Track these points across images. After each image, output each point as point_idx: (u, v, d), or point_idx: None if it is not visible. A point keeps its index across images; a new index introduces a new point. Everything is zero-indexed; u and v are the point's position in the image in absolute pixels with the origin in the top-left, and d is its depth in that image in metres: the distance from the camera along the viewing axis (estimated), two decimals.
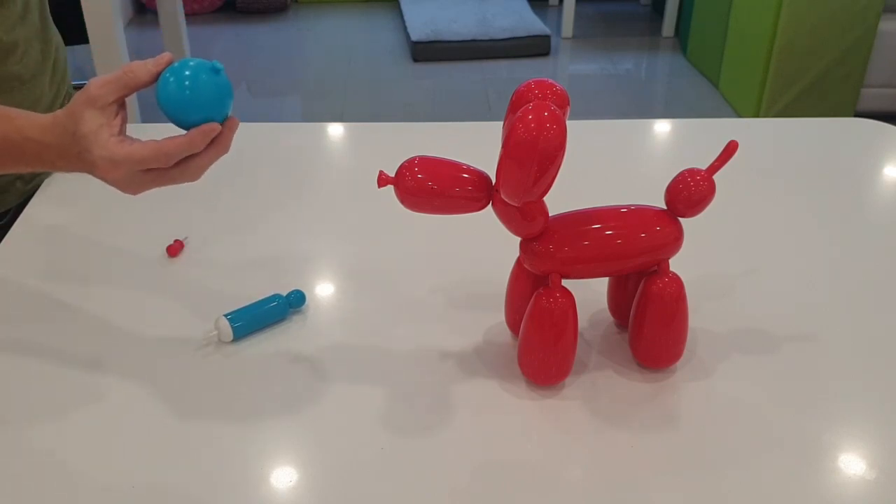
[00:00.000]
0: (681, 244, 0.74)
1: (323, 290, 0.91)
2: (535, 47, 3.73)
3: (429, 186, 0.69)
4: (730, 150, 0.72)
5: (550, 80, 0.70)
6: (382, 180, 0.69)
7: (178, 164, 0.69)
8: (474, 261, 0.95)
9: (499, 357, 0.80)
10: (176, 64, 0.68)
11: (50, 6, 1.17)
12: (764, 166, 1.15)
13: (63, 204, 1.06)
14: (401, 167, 0.69)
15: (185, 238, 0.97)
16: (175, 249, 0.95)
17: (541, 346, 0.74)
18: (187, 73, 0.67)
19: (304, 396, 0.76)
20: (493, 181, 0.69)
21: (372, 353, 0.81)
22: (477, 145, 1.26)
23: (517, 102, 0.68)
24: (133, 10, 4.18)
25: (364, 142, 1.27)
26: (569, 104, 0.70)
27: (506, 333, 0.83)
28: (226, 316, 0.81)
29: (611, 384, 0.77)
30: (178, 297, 0.89)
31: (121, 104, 0.70)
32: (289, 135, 1.28)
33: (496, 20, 3.82)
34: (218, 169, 1.15)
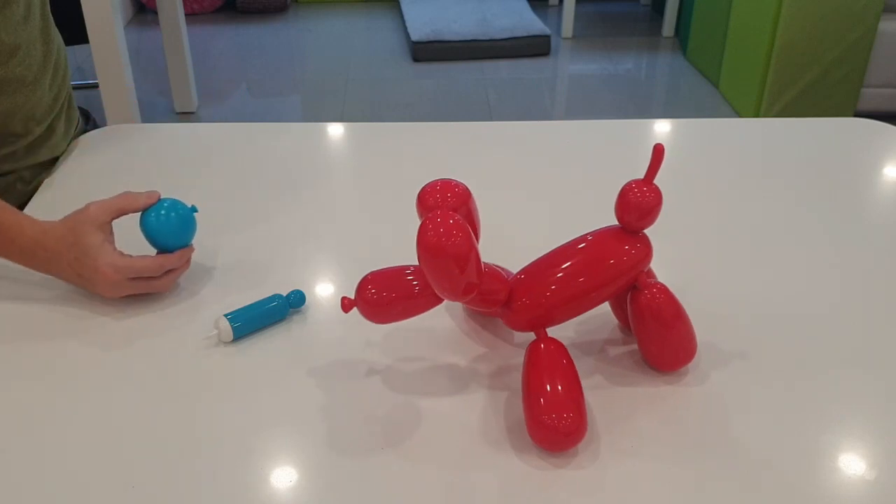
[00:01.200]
0: (650, 254, 0.74)
1: (323, 290, 0.91)
2: (535, 47, 3.73)
3: (389, 298, 0.71)
4: (657, 153, 0.72)
5: (453, 181, 0.73)
6: (346, 305, 0.72)
7: (158, 277, 0.86)
8: None
9: (500, 358, 0.80)
10: (166, 201, 0.87)
11: (50, 6, 1.17)
12: (764, 166, 1.15)
13: (62, 205, 1.05)
14: (357, 293, 0.72)
15: None
16: None
17: (550, 407, 0.69)
18: (173, 211, 0.87)
19: (304, 396, 0.76)
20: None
21: (372, 353, 0.81)
22: (477, 145, 1.27)
23: (423, 205, 0.73)
24: (133, 10, 4.18)
25: (364, 142, 1.27)
26: (471, 197, 0.73)
27: (509, 333, 0.83)
28: (226, 316, 0.81)
29: (612, 387, 0.77)
30: (179, 297, 0.89)
31: (111, 227, 0.86)
32: (289, 135, 1.28)
33: (496, 20, 3.82)
34: (218, 169, 1.16)
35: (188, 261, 0.89)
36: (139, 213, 0.87)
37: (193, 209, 0.89)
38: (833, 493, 0.66)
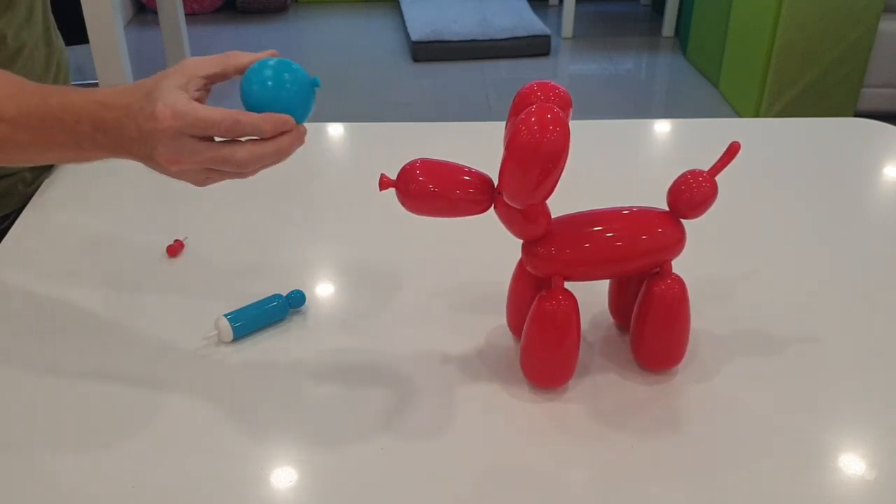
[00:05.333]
0: (683, 246, 0.74)
1: (323, 290, 0.91)
2: (535, 47, 3.73)
3: (430, 190, 0.68)
4: (732, 151, 0.72)
5: (553, 83, 0.69)
6: (384, 183, 0.69)
7: (234, 142, 0.66)
8: (475, 262, 0.95)
9: (500, 359, 0.80)
10: (274, 59, 0.68)
11: (51, 7, 1.17)
12: (764, 166, 1.15)
13: (63, 205, 1.06)
14: (402, 170, 0.69)
15: (185, 238, 0.97)
16: (175, 249, 0.95)
17: (543, 350, 0.74)
18: (286, 72, 0.67)
19: (304, 396, 0.76)
20: (496, 184, 0.69)
21: (372, 353, 0.81)
22: (477, 145, 1.26)
23: (519, 104, 0.68)
24: (133, 10, 4.18)
25: (364, 142, 1.27)
26: (571, 106, 0.70)
27: (507, 335, 0.83)
28: (226, 316, 0.81)
29: (612, 386, 0.77)
30: (178, 297, 0.89)
31: (207, 87, 0.69)
32: None
33: (496, 20, 3.82)
34: None
35: (285, 141, 0.67)
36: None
37: (315, 82, 0.69)
38: (833, 493, 0.66)
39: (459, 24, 3.78)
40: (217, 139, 0.66)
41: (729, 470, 0.68)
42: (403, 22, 3.96)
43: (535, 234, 0.72)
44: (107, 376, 0.78)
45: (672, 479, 0.67)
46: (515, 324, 0.80)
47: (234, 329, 0.81)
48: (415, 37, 3.70)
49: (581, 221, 0.73)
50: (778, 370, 0.79)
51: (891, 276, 0.93)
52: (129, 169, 1.16)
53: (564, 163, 0.64)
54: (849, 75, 2.90)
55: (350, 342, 0.83)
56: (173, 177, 0.69)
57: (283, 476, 0.68)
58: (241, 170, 0.67)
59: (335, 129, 1.31)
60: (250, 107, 0.66)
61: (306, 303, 0.86)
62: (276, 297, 0.84)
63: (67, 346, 0.82)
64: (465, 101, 3.31)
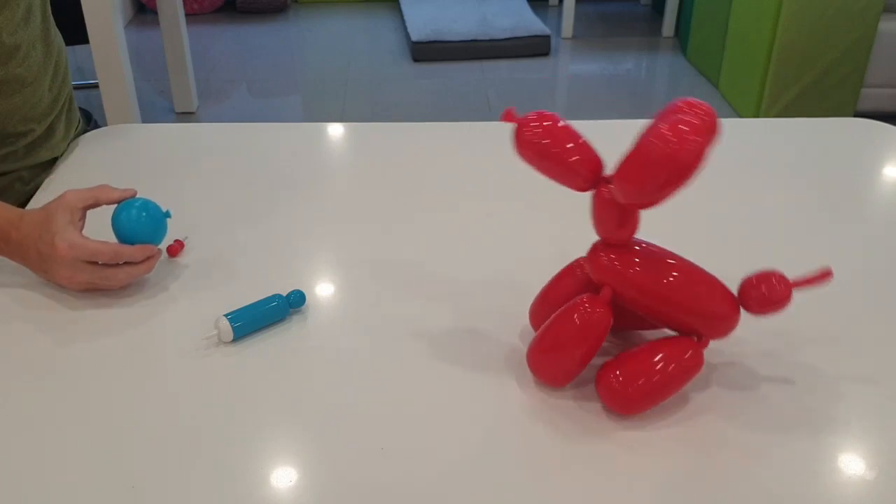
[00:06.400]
0: (727, 331, 0.74)
1: (323, 290, 0.91)
2: (535, 47, 3.73)
3: (542, 144, 0.68)
4: (822, 275, 0.72)
5: (708, 106, 0.67)
6: (507, 116, 0.69)
7: (113, 266, 0.86)
8: (475, 262, 0.95)
9: (500, 359, 0.80)
10: (139, 200, 0.89)
11: (50, 7, 1.17)
12: (764, 166, 1.15)
13: None
14: (525, 117, 0.69)
15: (185, 238, 0.97)
16: (175, 249, 0.95)
17: (560, 347, 0.73)
18: (144, 210, 0.88)
19: (304, 396, 0.76)
20: (604, 171, 0.69)
21: (372, 353, 0.81)
22: (477, 145, 1.27)
23: (668, 111, 0.67)
24: (133, 10, 4.18)
25: (364, 142, 1.27)
26: (716, 133, 0.67)
27: (507, 336, 0.83)
28: (226, 316, 0.81)
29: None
30: (178, 297, 0.89)
31: (84, 214, 0.88)
32: (289, 135, 1.28)
33: (496, 20, 3.82)
34: (218, 169, 1.16)
35: (150, 262, 0.88)
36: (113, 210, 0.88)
37: (167, 214, 0.90)
38: (833, 493, 0.66)
39: (459, 24, 3.78)
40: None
41: (727, 469, 0.68)
42: (403, 22, 3.96)
43: (617, 238, 0.71)
44: (106, 376, 0.78)
45: (670, 477, 0.67)
46: (542, 314, 0.79)
47: (234, 329, 0.81)
48: (415, 37, 3.70)
49: (658, 254, 0.73)
50: (777, 370, 0.79)
51: (891, 275, 0.93)
52: (129, 170, 1.17)
53: (691, 178, 0.64)
54: (849, 75, 2.90)
55: (350, 342, 0.83)
56: (62, 285, 0.88)
57: (283, 476, 0.68)
58: (118, 285, 0.88)
59: (335, 129, 1.31)
60: (122, 239, 0.87)
61: (306, 303, 0.86)
62: (276, 297, 0.84)
63: (66, 346, 0.82)
64: (465, 101, 3.31)
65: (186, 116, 3.13)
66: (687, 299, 0.72)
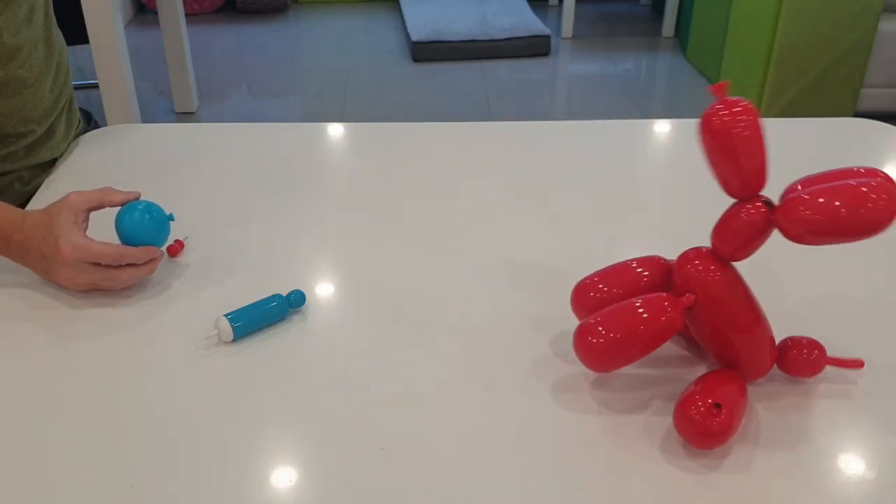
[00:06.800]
0: (758, 377, 0.76)
1: (323, 290, 0.91)
2: (535, 47, 3.73)
3: (742, 136, 0.68)
4: (853, 363, 0.76)
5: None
6: (719, 89, 0.68)
7: (116, 268, 0.87)
8: (475, 263, 0.95)
9: (501, 360, 0.80)
10: (143, 202, 0.90)
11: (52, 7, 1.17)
12: None
13: None
14: (736, 100, 0.68)
15: (185, 238, 0.97)
16: (175, 249, 0.95)
17: (627, 338, 0.71)
18: (147, 212, 0.89)
19: (305, 396, 0.76)
20: (764, 188, 0.69)
21: (372, 352, 0.81)
22: (477, 145, 1.27)
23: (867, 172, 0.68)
24: (133, 10, 4.18)
25: (364, 142, 1.27)
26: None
27: (508, 337, 0.83)
28: (226, 316, 0.81)
29: (616, 381, 0.77)
30: (178, 297, 0.89)
31: (87, 216, 0.88)
32: (289, 135, 1.28)
33: (496, 20, 3.82)
34: (218, 169, 1.16)
35: (153, 264, 0.89)
36: (116, 212, 0.89)
37: (170, 217, 0.91)
38: (833, 493, 0.66)
39: (459, 24, 3.78)
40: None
41: (727, 469, 0.68)
42: (403, 22, 3.96)
43: (734, 255, 0.71)
44: (106, 376, 0.78)
45: (669, 477, 0.67)
46: (597, 300, 0.77)
47: (234, 329, 0.81)
48: (415, 37, 3.70)
49: (744, 282, 0.73)
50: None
51: (890, 276, 0.93)
52: (129, 169, 1.17)
53: (861, 236, 0.64)
54: (849, 75, 2.90)
55: (350, 342, 0.83)
56: (64, 286, 0.88)
57: (283, 476, 0.68)
58: (120, 286, 0.88)
59: (335, 129, 1.31)
60: (125, 241, 0.88)
61: (306, 303, 0.86)
62: (276, 297, 0.84)
63: (66, 346, 0.82)
64: (465, 101, 3.30)
65: (186, 116, 3.13)
66: (750, 339, 0.73)
